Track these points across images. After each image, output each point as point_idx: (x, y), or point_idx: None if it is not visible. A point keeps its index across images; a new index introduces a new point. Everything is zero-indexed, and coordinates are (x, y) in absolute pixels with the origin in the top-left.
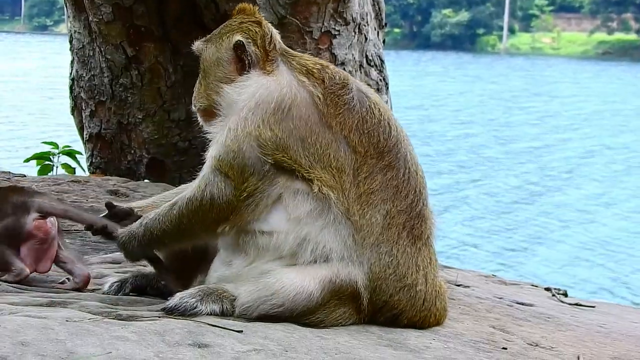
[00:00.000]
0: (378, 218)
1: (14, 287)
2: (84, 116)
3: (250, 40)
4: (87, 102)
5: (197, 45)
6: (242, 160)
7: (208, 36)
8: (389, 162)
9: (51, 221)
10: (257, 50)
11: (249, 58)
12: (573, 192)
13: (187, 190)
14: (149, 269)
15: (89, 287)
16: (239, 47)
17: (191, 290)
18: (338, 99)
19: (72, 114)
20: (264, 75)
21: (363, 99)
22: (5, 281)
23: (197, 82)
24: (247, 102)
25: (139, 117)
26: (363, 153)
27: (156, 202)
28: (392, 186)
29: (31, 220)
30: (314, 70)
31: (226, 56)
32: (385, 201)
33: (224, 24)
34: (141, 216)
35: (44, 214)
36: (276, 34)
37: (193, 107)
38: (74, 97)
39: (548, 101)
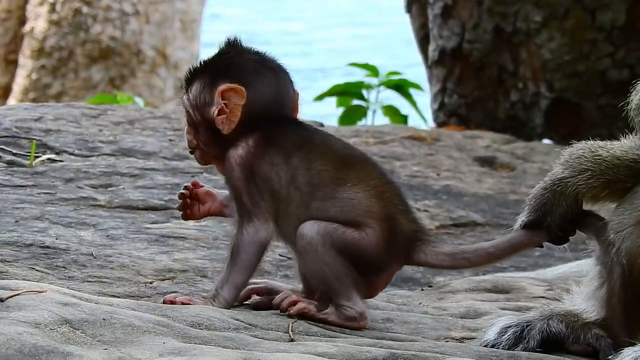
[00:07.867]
0: None
1: (320, 326)
2: (430, 16)
3: None
4: None
5: None
6: None
7: None
8: None
9: None
10: None
11: None
12: None
13: None
14: (568, 305)
15: (454, 335)
16: None
17: None
18: None
19: (409, 12)
20: None
21: None
22: (316, 318)
23: None
24: None
25: (537, 19)
26: None
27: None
28: None
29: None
30: None
31: None
32: None
33: None
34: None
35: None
36: None
37: None
38: None
39: None
